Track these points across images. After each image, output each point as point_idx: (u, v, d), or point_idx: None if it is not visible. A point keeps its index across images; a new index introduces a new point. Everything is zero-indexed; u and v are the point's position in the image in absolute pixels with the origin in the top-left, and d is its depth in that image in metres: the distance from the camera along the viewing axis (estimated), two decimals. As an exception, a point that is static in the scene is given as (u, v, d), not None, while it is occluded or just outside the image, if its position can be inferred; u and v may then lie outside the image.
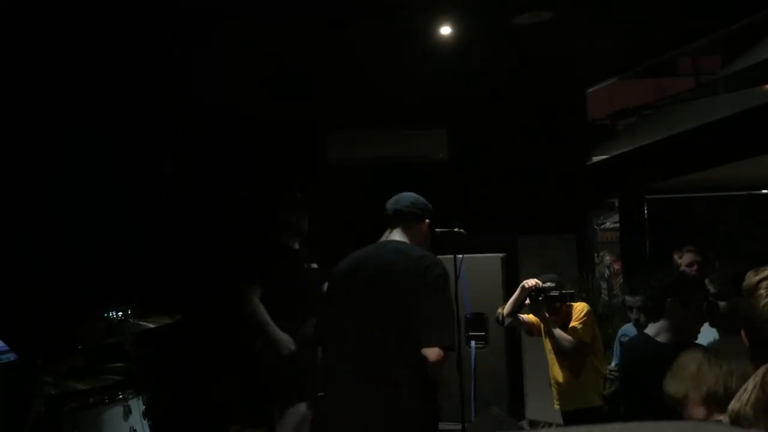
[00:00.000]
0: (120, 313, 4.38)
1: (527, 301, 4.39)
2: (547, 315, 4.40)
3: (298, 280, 4.67)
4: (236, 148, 6.46)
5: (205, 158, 6.30)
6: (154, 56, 5.19)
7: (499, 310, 4.57)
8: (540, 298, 4.33)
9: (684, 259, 4.78)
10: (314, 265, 4.85)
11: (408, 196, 3.37)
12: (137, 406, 4.08)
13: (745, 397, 1.55)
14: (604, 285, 7.59)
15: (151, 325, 4.32)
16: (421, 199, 3.37)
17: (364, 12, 4.79)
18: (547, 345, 4.53)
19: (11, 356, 4.35)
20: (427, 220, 3.33)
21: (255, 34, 5.00)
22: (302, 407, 4.57)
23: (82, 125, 5.57)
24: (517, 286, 4.49)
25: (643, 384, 3.11)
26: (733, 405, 1.57)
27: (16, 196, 5.10)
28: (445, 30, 5.20)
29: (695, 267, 4.70)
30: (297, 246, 4.76)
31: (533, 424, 6.05)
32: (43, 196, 5.34)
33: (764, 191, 7.56)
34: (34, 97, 5.17)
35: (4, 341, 4.05)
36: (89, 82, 5.27)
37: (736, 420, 1.53)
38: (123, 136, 5.82)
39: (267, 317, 4.49)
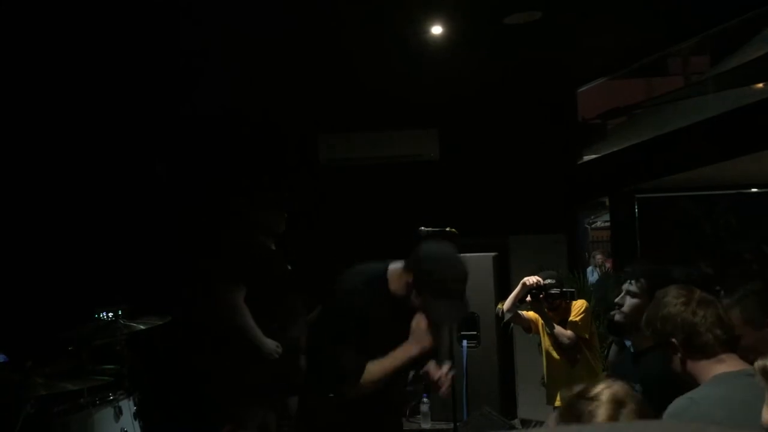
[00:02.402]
0: (111, 314, 4.36)
1: (528, 299, 4.40)
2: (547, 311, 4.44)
3: (277, 282, 4.59)
4: (228, 149, 6.46)
5: (197, 160, 6.30)
6: (147, 58, 5.18)
7: (499, 306, 4.60)
8: (541, 296, 4.35)
9: None
10: (289, 267, 4.78)
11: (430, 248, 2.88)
12: (128, 406, 4.07)
13: None
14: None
15: (142, 326, 4.31)
16: (424, 253, 2.80)
17: (355, 13, 4.79)
18: (545, 342, 4.56)
19: (1, 357, 4.34)
20: (410, 273, 2.77)
21: (248, 36, 4.99)
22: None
23: (75, 128, 5.55)
24: (509, 286, 4.50)
25: None
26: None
27: (6, 198, 5.08)
28: (436, 30, 5.20)
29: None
30: (273, 247, 4.68)
31: (525, 423, 6.06)
32: (33, 198, 5.32)
33: (753, 190, 7.61)
34: (25, 101, 5.16)
35: (-6, 343, 4.04)
36: (81, 84, 5.25)
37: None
38: (116, 138, 5.81)
39: (250, 320, 4.32)
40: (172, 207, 6.06)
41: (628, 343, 3.82)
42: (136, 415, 4.11)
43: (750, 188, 7.60)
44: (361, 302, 2.77)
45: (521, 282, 4.42)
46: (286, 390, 4.52)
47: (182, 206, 6.12)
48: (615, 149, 6.70)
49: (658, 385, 2.79)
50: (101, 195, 5.70)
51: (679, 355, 2.28)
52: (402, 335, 2.80)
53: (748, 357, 2.45)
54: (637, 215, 7.35)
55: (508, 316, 4.52)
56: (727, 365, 2.22)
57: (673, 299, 2.31)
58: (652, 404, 2.78)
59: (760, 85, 5.45)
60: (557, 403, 4.61)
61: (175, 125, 6.11)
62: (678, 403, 2.15)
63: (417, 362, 2.89)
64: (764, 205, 7.55)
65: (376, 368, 2.74)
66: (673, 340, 2.27)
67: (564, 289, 4.42)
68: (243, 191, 5.55)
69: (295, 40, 5.15)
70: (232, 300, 4.30)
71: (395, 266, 2.86)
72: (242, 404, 4.52)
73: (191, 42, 5.01)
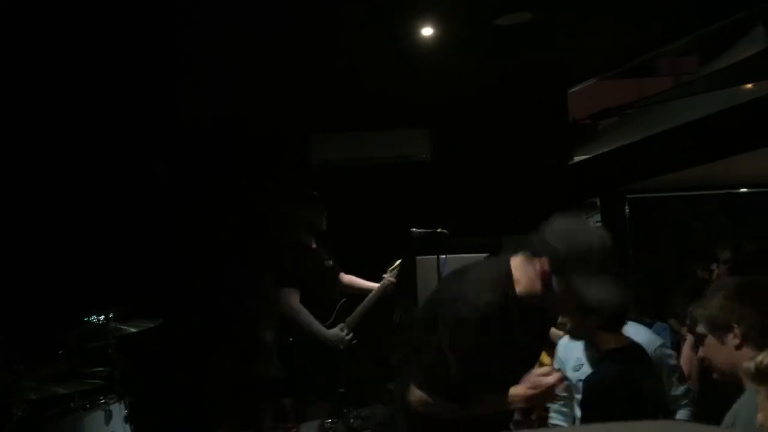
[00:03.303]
0: (102, 317, 4.34)
1: None
2: None
3: (322, 280, 4.60)
4: (221, 151, 6.44)
5: (189, 162, 6.28)
6: (141, 59, 5.15)
7: None
8: None
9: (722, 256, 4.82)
10: (330, 263, 4.77)
11: (560, 221, 2.33)
12: (119, 410, 4.05)
13: None
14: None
15: (133, 330, 4.30)
16: (557, 227, 2.29)
17: (346, 14, 4.78)
18: None
19: (-9, 361, 4.31)
20: (542, 259, 2.23)
21: (239, 37, 4.98)
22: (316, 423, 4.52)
23: (68, 130, 5.53)
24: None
25: None
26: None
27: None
28: (427, 31, 5.20)
29: (728, 265, 4.74)
30: (314, 245, 4.68)
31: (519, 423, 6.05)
32: (24, 200, 5.29)
33: (743, 190, 7.64)
34: (23, 101, 5.13)
35: (-15, 346, 4.00)
36: (75, 83, 5.23)
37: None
38: (110, 141, 5.78)
39: (311, 318, 4.40)
40: (170, 208, 6.05)
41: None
42: (127, 419, 4.09)
43: (740, 188, 7.63)
44: (487, 311, 2.23)
45: None
46: (336, 384, 4.59)
47: (180, 207, 6.11)
48: (606, 150, 6.72)
49: (587, 398, 2.84)
50: (96, 197, 5.68)
51: (735, 341, 2.29)
52: (527, 347, 2.40)
53: None
54: (628, 215, 7.37)
55: None
56: None
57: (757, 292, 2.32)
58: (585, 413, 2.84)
59: (750, 85, 5.47)
60: None
61: (172, 125, 6.09)
62: None
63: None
64: (754, 205, 7.58)
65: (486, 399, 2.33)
66: (735, 326, 2.28)
67: None
68: (272, 190, 5.54)
69: (287, 41, 5.14)
70: (290, 302, 4.36)
71: (518, 258, 2.34)
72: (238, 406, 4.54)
73: (184, 41, 4.99)
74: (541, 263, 2.22)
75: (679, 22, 5.43)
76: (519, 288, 2.29)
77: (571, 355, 3.38)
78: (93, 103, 5.47)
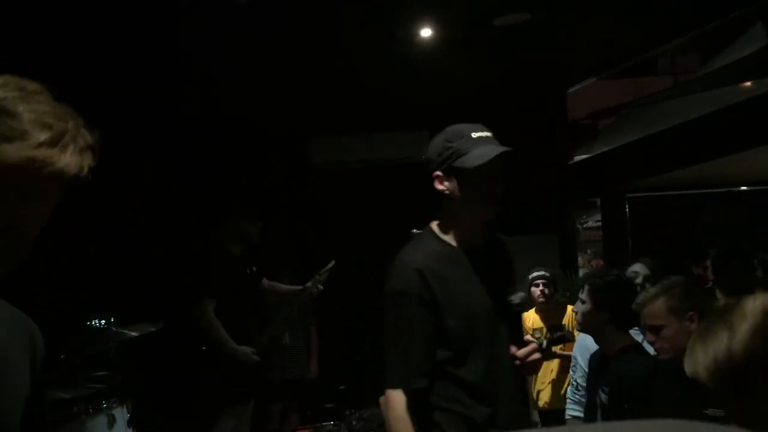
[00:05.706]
0: (103, 322, 4.34)
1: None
2: (541, 300, 4.81)
3: (244, 287, 4.58)
4: (219, 153, 6.45)
5: (188, 165, 6.28)
6: (131, 61, 5.16)
7: None
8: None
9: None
10: (253, 269, 4.75)
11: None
12: (122, 414, 4.05)
13: None
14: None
15: (134, 333, 4.30)
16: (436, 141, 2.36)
17: (345, 15, 4.79)
18: None
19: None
20: (436, 174, 2.31)
21: (236, 40, 4.98)
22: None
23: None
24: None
25: None
26: None
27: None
28: (426, 32, 5.20)
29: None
30: (239, 252, 4.63)
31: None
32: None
33: (742, 188, 7.65)
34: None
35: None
36: (68, 86, 5.22)
37: None
38: (104, 145, 5.77)
39: (223, 333, 4.34)
40: (163, 213, 6.04)
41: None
42: (130, 423, 4.09)
43: (739, 186, 7.64)
44: (419, 275, 2.20)
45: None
46: (268, 390, 4.63)
47: (175, 213, 6.11)
48: (605, 149, 6.72)
49: (627, 387, 2.82)
50: (91, 200, 5.68)
51: None
52: (483, 292, 2.27)
53: (664, 346, 2.56)
54: (628, 214, 7.38)
55: None
56: None
57: None
58: (620, 405, 2.82)
59: (748, 83, 5.48)
60: (541, 405, 4.65)
61: (169, 127, 6.08)
62: None
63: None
64: (754, 203, 7.59)
65: None
66: None
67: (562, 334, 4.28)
68: (223, 197, 5.57)
69: (286, 42, 5.15)
70: (203, 315, 4.33)
71: (433, 222, 2.41)
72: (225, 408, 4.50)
73: (178, 42, 4.99)
74: (438, 190, 2.28)
75: (676, 22, 5.43)
76: (444, 237, 2.36)
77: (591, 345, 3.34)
78: (93, 104, 5.46)
